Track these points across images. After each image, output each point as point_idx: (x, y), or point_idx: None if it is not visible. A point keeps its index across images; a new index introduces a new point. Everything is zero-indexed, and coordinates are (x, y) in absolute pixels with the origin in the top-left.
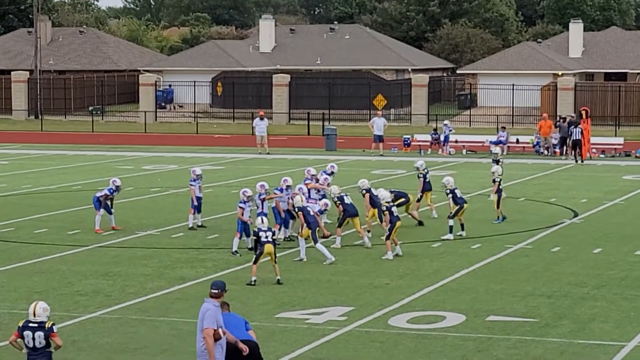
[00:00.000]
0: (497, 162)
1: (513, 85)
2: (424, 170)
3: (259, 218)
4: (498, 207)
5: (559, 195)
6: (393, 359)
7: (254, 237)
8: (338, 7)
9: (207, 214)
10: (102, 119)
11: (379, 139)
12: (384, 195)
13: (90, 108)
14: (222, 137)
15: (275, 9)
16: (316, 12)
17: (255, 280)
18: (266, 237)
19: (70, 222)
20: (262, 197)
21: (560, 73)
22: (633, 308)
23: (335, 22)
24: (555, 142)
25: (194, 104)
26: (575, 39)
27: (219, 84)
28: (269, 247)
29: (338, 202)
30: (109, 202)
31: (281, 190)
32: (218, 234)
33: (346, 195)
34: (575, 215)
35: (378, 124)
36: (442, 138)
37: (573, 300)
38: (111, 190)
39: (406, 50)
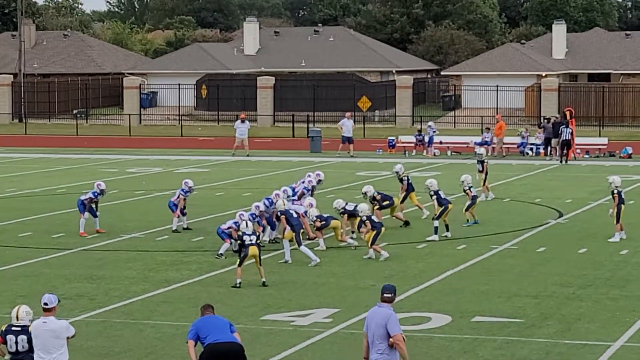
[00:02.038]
0: (482, 162)
1: (497, 86)
2: (403, 174)
3: (244, 222)
4: (467, 210)
5: (544, 196)
6: None
7: (238, 241)
8: (322, 10)
9: (192, 216)
10: (87, 122)
11: (348, 140)
12: (363, 208)
13: (75, 111)
14: (207, 140)
15: (260, 11)
16: (300, 15)
17: (240, 283)
18: (250, 240)
19: (54, 225)
20: (256, 219)
21: (544, 74)
22: (619, 308)
23: (320, 25)
24: (539, 142)
25: (179, 106)
26: (558, 40)
27: (204, 86)
28: (253, 250)
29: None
30: (93, 206)
31: (271, 203)
32: (203, 237)
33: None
34: (561, 215)
35: (347, 126)
36: (426, 139)
37: (559, 300)
38: (95, 194)
39: (390, 52)
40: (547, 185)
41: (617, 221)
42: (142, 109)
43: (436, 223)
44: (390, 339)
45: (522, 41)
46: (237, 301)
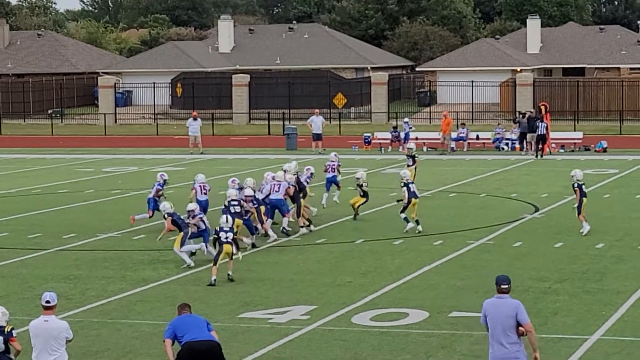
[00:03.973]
0: (412, 157)
1: (472, 82)
2: (363, 182)
3: (224, 216)
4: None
5: (519, 191)
6: (356, 357)
7: (214, 236)
8: (297, 7)
9: None
10: (62, 121)
11: (318, 137)
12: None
13: (50, 111)
14: (182, 138)
15: (234, 9)
16: (275, 12)
17: (215, 280)
18: (226, 237)
19: (30, 225)
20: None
21: (518, 69)
22: (595, 301)
23: (294, 22)
24: (515, 137)
25: (154, 105)
26: (533, 35)
27: (179, 85)
28: (227, 248)
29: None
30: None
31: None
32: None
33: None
34: (536, 210)
35: (316, 123)
36: (402, 136)
37: (535, 294)
38: (160, 185)
39: (365, 48)
40: (523, 180)
41: (579, 213)
42: (117, 108)
43: (403, 215)
44: (521, 328)
45: (497, 36)
46: (215, 299)
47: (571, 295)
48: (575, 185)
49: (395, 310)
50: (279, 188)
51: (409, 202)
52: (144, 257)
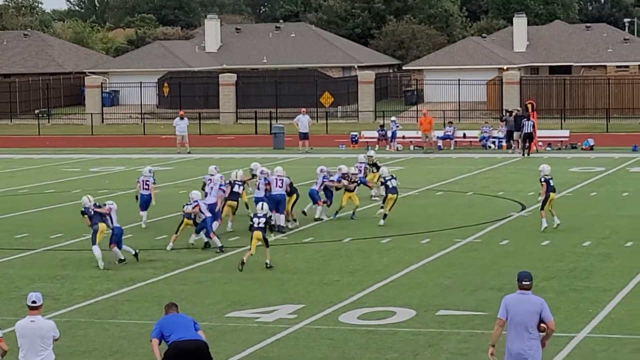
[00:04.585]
0: (375, 164)
1: (459, 80)
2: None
3: (260, 203)
4: (383, 202)
5: (506, 189)
6: (344, 356)
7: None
8: (283, 6)
9: (155, 214)
10: (49, 121)
11: (304, 136)
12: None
13: (37, 111)
14: (170, 138)
15: (221, 8)
16: (262, 11)
17: (242, 265)
18: (258, 223)
19: (17, 225)
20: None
21: (505, 67)
22: (582, 299)
23: (281, 21)
24: (502, 135)
25: (141, 105)
26: (519, 33)
27: (165, 84)
28: (257, 234)
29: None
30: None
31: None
32: (166, 235)
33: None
34: (523, 208)
35: (303, 122)
36: (389, 134)
37: None
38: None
39: (352, 47)
40: (510, 179)
41: (542, 208)
42: (104, 108)
43: (380, 210)
44: (543, 325)
45: (483, 35)
46: (202, 299)
47: (558, 293)
48: (542, 179)
49: (382, 309)
50: (282, 184)
51: (386, 196)
52: (130, 256)
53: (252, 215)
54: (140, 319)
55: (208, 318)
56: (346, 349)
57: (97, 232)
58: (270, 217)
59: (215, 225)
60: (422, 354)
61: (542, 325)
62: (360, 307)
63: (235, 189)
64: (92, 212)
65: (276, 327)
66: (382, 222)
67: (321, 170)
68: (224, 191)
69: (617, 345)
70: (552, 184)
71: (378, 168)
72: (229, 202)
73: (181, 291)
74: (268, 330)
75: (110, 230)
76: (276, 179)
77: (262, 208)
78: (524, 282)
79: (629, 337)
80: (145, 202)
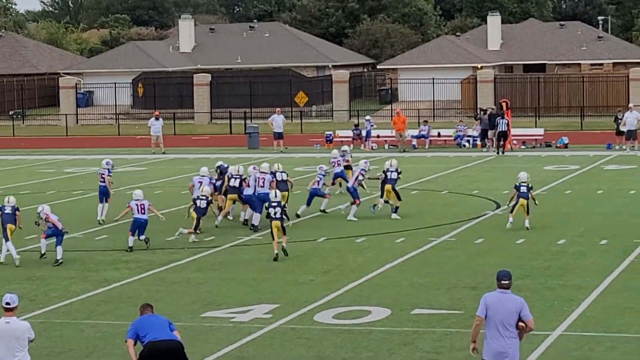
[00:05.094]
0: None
1: (433, 79)
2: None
3: (272, 191)
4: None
5: (481, 187)
6: (319, 355)
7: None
8: (257, 6)
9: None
10: (23, 122)
11: (279, 136)
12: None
13: (11, 112)
14: (144, 138)
15: (195, 8)
16: (236, 11)
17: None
18: (274, 213)
19: None
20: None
21: (479, 66)
22: (556, 297)
23: (255, 21)
24: (476, 134)
25: (115, 105)
26: (493, 31)
27: (140, 85)
28: (275, 223)
29: None
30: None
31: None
32: (142, 235)
33: None
34: (498, 206)
35: (277, 122)
36: (363, 133)
37: None
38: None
39: (326, 46)
40: (484, 177)
41: (511, 211)
42: (78, 109)
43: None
44: (521, 324)
45: (457, 33)
46: (177, 299)
47: (533, 292)
48: (515, 185)
49: (357, 308)
50: (263, 183)
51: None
52: (105, 257)
53: (267, 206)
54: (115, 319)
55: (183, 318)
56: (321, 349)
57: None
58: (284, 205)
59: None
60: (397, 352)
61: (520, 324)
62: (335, 306)
63: (232, 182)
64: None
65: (251, 326)
66: (394, 215)
67: (322, 167)
68: (214, 185)
69: (592, 343)
70: (523, 191)
71: (351, 168)
72: (229, 195)
73: (156, 292)
74: (243, 330)
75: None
76: (258, 179)
77: (275, 196)
78: (503, 281)
79: (603, 334)
80: (101, 194)
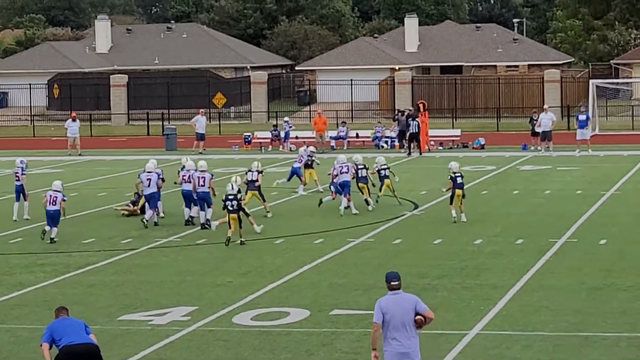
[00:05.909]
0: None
1: (351, 80)
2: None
3: (229, 184)
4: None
5: (399, 188)
6: (237, 357)
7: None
8: (175, 6)
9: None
10: None
11: (201, 137)
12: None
13: None
14: (60, 140)
15: (111, 9)
16: (153, 12)
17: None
18: (232, 205)
19: None
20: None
21: (397, 67)
22: (473, 297)
23: (172, 22)
24: (394, 135)
25: (30, 106)
26: (410, 33)
27: (55, 86)
28: (233, 216)
29: None
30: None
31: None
32: (57, 238)
33: None
34: (416, 207)
35: (201, 122)
36: (282, 135)
37: (415, 291)
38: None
39: (244, 48)
40: (402, 178)
41: (450, 203)
42: None
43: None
44: (419, 317)
45: (375, 35)
46: (93, 302)
47: (450, 291)
48: (449, 176)
49: (276, 310)
50: (204, 182)
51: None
52: (20, 260)
53: (223, 199)
54: (30, 323)
55: (100, 321)
56: (240, 350)
57: None
58: (241, 198)
59: (149, 214)
60: (316, 353)
61: (418, 317)
62: (253, 308)
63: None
64: None
65: (169, 329)
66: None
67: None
68: (163, 180)
69: (509, 342)
70: (459, 181)
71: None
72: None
73: (73, 295)
74: (161, 332)
75: None
76: (199, 178)
77: (232, 188)
78: (392, 283)
79: (520, 333)
80: (18, 193)
